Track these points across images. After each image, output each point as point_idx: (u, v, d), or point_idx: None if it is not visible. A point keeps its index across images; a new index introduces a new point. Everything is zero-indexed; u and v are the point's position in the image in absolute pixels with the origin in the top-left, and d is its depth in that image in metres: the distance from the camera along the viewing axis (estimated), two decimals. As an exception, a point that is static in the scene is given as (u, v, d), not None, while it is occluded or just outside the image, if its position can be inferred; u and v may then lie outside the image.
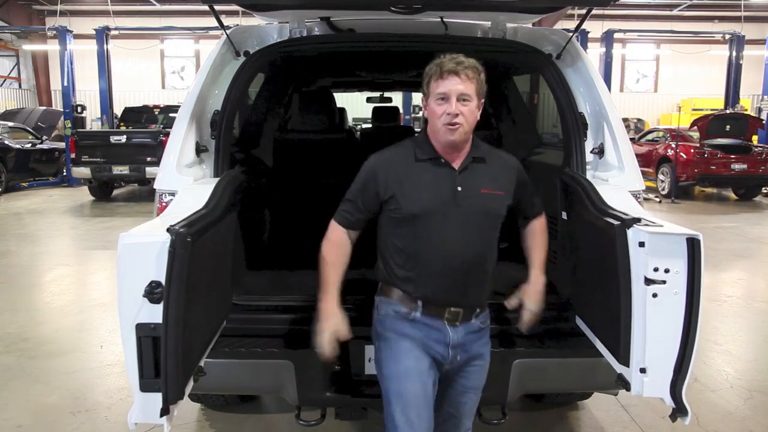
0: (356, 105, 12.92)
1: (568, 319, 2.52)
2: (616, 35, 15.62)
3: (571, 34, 2.95)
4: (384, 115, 5.33)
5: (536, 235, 2.29)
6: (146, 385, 1.78)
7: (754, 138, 14.24)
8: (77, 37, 15.76)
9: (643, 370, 1.89)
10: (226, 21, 3.29)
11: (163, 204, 2.56)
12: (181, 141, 2.65)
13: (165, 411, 1.76)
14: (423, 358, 2.04)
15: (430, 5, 2.62)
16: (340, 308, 2.10)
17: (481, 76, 1.98)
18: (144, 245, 1.76)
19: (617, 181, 2.65)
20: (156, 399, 1.76)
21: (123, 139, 11.73)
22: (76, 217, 10.64)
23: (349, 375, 2.49)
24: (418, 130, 5.19)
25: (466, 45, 2.98)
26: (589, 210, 2.26)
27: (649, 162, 13.42)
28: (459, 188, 1.99)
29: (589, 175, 2.75)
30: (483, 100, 2.02)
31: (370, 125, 5.67)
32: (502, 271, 2.26)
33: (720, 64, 18.46)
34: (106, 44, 14.94)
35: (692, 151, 12.65)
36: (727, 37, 16.03)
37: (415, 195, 1.99)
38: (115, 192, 13.21)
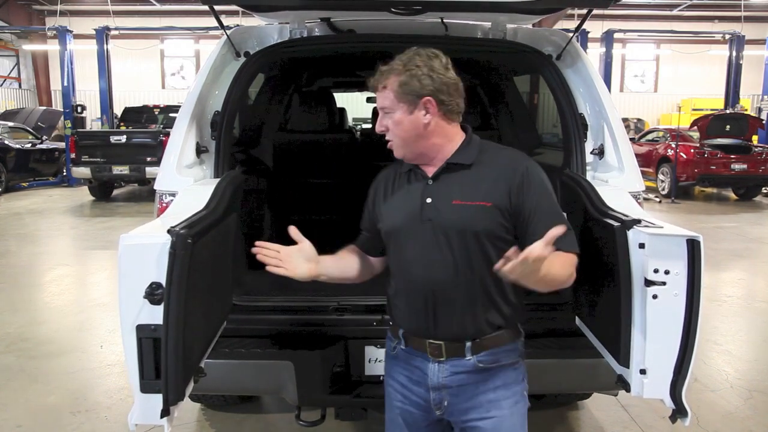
0: (356, 105, 12.93)
1: (568, 319, 2.52)
2: (616, 35, 15.63)
3: (571, 34, 2.95)
4: None
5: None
6: (146, 386, 1.78)
7: (754, 138, 14.25)
8: (77, 37, 15.76)
9: (643, 371, 1.89)
10: (226, 21, 3.29)
11: (164, 204, 2.56)
12: (181, 141, 2.65)
13: (165, 412, 1.76)
14: (405, 408, 1.85)
15: (430, 6, 2.62)
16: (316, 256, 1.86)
17: (402, 76, 1.68)
18: (145, 246, 1.76)
19: (617, 182, 2.65)
20: (156, 400, 1.76)
21: (123, 139, 11.73)
22: (76, 217, 10.64)
23: (349, 376, 2.50)
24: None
25: (466, 46, 2.98)
26: (589, 211, 2.26)
27: (649, 162, 13.42)
28: (428, 200, 1.74)
29: (589, 176, 2.75)
30: (427, 98, 1.68)
31: (370, 125, 5.67)
32: None
33: (720, 64, 18.47)
34: (106, 44, 14.94)
35: (692, 151, 12.65)
36: (727, 37, 16.04)
37: (389, 211, 1.83)
38: (115, 192, 13.21)
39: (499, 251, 1.64)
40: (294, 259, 1.81)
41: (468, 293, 1.73)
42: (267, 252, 1.79)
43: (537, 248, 1.44)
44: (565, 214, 1.79)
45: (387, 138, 1.76)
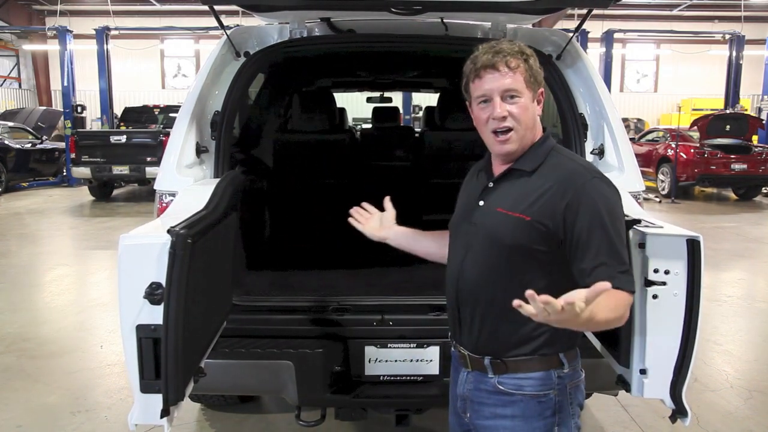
0: (356, 105, 12.93)
1: None
2: (616, 35, 15.63)
3: (571, 34, 2.96)
4: (384, 115, 5.33)
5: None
6: (146, 386, 1.78)
7: (754, 138, 14.25)
8: (77, 37, 15.76)
9: (643, 372, 1.89)
10: (226, 21, 3.29)
11: (164, 204, 2.56)
12: (181, 141, 2.65)
13: (165, 412, 1.76)
14: (451, 410, 1.84)
15: (430, 6, 2.62)
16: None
17: (530, 61, 1.60)
18: (145, 246, 1.76)
19: (617, 182, 2.62)
20: (156, 400, 1.76)
21: (123, 139, 11.73)
22: (76, 217, 10.64)
23: (349, 375, 2.50)
24: (419, 129, 5.20)
25: (466, 46, 2.98)
26: None
27: (649, 162, 13.42)
28: (481, 203, 1.68)
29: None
30: (542, 89, 1.65)
31: (370, 125, 5.67)
32: None
33: (720, 64, 18.46)
34: (106, 44, 14.94)
35: (692, 151, 12.65)
36: (727, 37, 16.04)
37: (457, 207, 1.80)
38: (115, 192, 13.21)
39: (531, 270, 1.57)
40: (372, 220, 2.04)
41: (489, 307, 1.63)
42: (359, 210, 2.03)
43: (573, 299, 1.25)
44: (624, 250, 1.56)
45: (505, 125, 1.59)
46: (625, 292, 1.50)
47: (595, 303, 1.29)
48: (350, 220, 2.03)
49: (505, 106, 1.58)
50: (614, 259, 1.51)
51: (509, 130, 1.59)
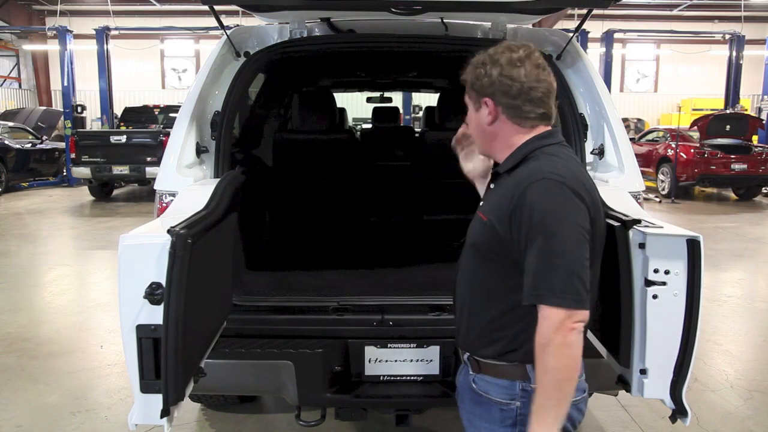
0: (356, 105, 12.93)
1: None
2: (616, 35, 15.62)
3: (571, 34, 2.96)
4: (384, 115, 5.34)
5: (535, 357, 1.47)
6: (147, 386, 1.78)
7: (754, 138, 14.25)
8: (77, 37, 15.76)
9: (643, 372, 1.89)
10: (226, 21, 3.29)
11: (164, 204, 2.56)
12: (181, 141, 2.66)
13: (165, 412, 1.76)
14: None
15: (430, 6, 2.62)
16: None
17: (478, 69, 1.58)
18: (145, 247, 1.76)
19: (617, 182, 2.66)
20: (156, 400, 1.76)
21: (123, 139, 11.73)
22: (76, 217, 10.64)
23: (349, 375, 2.50)
24: (419, 130, 5.20)
25: (465, 46, 2.98)
26: None
27: (649, 162, 13.43)
28: (481, 203, 1.75)
29: (589, 176, 2.75)
30: (485, 99, 1.59)
31: (370, 125, 5.68)
32: None
33: (720, 64, 18.48)
34: (106, 44, 14.94)
35: (692, 151, 12.65)
36: (727, 37, 16.03)
37: None
38: (115, 192, 13.21)
39: (492, 272, 1.58)
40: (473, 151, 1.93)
41: (465, 303, 1.70)
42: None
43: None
44: (556, 258, 1.43)
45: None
46: (546, 306, 1.42)
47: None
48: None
49: (467, 118, 1.70)
50: (540, 270, 1.43)
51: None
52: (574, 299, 1.41)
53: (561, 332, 1.41)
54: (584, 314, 1.44)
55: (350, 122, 8.97)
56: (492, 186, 1.70)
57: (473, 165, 1.95)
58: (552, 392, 1.44)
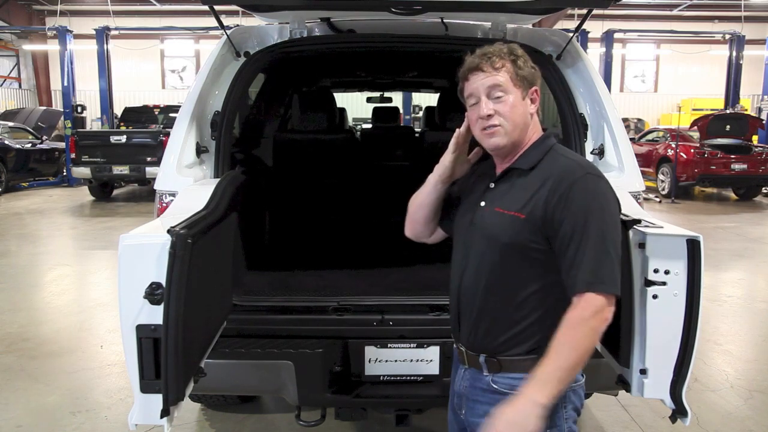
0: (356, 105, 12.92)
1: None
2: (616, 35, 15.63)
3: (571, 34, 2.96)
4: (384, 115, 5.34)
5: (559, 331, 1.49)
6: (146, 386, 1.78)
7: (754, 138, 14.25)
8: (77, 37, 15.76)
9: (643, 372, 1.89)
10: (226, 21, 3.29)
11: (164, 205, 2.56)
12: (181, 141, 2.66)
13: (165, 412, 1.76)
14: (450, 410, 1.86)
15: (430, 6, 2.62)
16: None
17: (518, 61, 1.63)
18: (145, 247, 1.76)
19: (617, 182, 2.63)
20: (156, 400, 1.76)
21: (123, 139, 11.74)
22: (76, 217, 10.64)
23: (349, 375, 2.50)
24: (419, 130, 5.20)
25: (465, 46, 2.98)
26: None
27: (649, 162, 13.43)
28: (482, 203, 1.70)
29: (589, 176, 2.74)
30: (535, 88, 1.67)
31: (370, 125, 5.68)
32: None
33: (720, 64, 18.48)
34: (106, 44, 14.94)
35: (692, 151, 12.65)
36: (727, 37, 16.04)
37: (460, 207, 1.82)
38: (115, 192, 13.22)
39: (525, 270, 1.60)
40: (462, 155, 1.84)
41: (485, 305, 1.66)
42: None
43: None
44: (608, 250, 1.51)
45: (491, 123, 1.62)
46: (593, 294, 1.49)
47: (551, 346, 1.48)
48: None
49: (491, 104, 1.62)
50: (591, 260, 1.50)
51: (495, 126, 1.63)
52: (618, 288, 1.52)
53: (598, 317, 1.49)
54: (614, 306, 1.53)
55: (350, 122, 8.96)
56: (493, 184, 1.70)
57: (457, 170, 1.83)
58: (567, 366, 1.48)
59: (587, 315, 1.48)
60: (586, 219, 1.51)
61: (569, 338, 1.48)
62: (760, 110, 16.39)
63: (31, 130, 15.09)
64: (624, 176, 2.67)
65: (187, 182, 2.57)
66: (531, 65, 1.66)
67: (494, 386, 1.65)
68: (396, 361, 2.48)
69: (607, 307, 1.49)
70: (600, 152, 2.80)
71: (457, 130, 1.80)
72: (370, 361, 2.48)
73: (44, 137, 14.97)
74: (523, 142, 1.67)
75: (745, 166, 12.46)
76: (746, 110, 16.91)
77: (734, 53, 15.82)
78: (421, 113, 7.77)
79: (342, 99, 5.80)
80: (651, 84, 25.40)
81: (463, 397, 1.75)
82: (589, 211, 1.52)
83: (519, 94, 1.63)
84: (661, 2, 21.85)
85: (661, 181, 13.26)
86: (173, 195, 2.50)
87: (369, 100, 8.35)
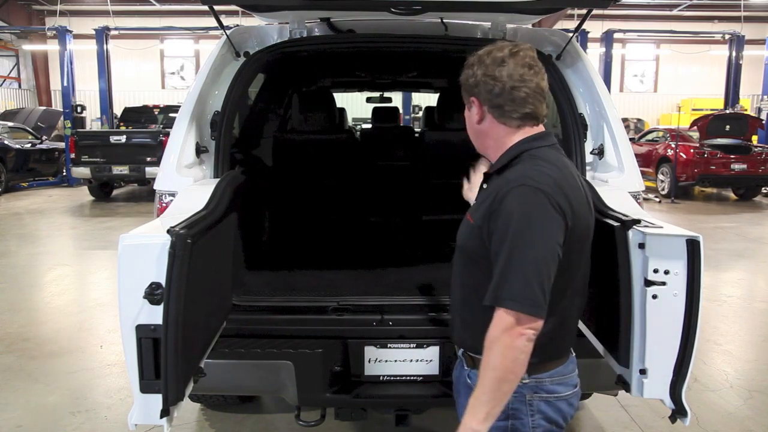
0: (356, 105, 12.92)
1: None
2: (616, 35, 15.63)
3: (570, 34, 2.96)
4: (384, 115, 5.34)
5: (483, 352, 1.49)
6: (146, 386, 1.78)
7: (754, 138, 14.25)
8: (77, 37, 15.76)
9: (642, 372, 1.89)
10: (226, 21, 3.29)
11: (163, 205, 2.56)
12: (181, 142, 2.66)
13: (165, 412, 1.76)
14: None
15: (430, 6, 2.62)
16: None
17: (467, 69, 1.63)
18: (144, 247, 1.76)
19: (617, 182, 2.66)
20: (156, 400, 1.76)
21: (123, 139, 11.73)
22: (76, 217, 10.64)
23: (349, 375, 2.50)
24: (418, 130, 5.20)
25: (465, 46, 2.99)
26: None
27: (648, 162, 13.43)
28: (472, 205, 1.77)
29: (588, 176, 2.75)
30: (472, 98, 1.64)
31: (370, 125, 5.68)
32: None
33: (720, 64, 18.47)
34: (106, 44, 14.94)
35: (692, 151, 12.65)
36: (727, 37, 16.04)
37: None
38: (115, 192, 13.22)
39: (477, 274, 1.59)
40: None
41: (455, 303, 1.77)
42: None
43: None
44: (522, 266, 1.45)
45: None
46: (501, 310, 1.45)
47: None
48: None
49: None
50: (502, 275, 1.46)
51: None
52: (530, 305, 1.43)
53: (510, 334, 1.44)
54: (537, 323, 1.45)
55: (350, 122, 8.95)
56: (484, 186, 1.71)
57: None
58: (489, 389, 1.46)
59: (497, 333, 1.45)
60: (507, 231, 1.48)
61: (486, 359, 1.47)
62: (759, 110, 16.40)
63: (31, 130, 15.09)
64: (624, 176, 2.67)
65: (186, 182, 2.57)
66: (483, 72, 1.58)
67: (468, 381, 1.70)
68: (396, 361, 2.48)
69: (517, 326, 1.43)
70: (600, 152, 2.80)
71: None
72: (369, 361, 2.48)
73: (44, 137, 14.96)
74: (490, 149, 1.68)
75: (744, 166, 12.46)
76: (746, 110, 16.92)
77: (734, 53, 15.82)
78: (420, 113, 7.77)
79: (342, 99, 5.80)
80: (651, 84, 25.41)
81: (454, 387, 1.85)
82: (509, 224, 1.48)
83: (468, 104, 1.67)
84: (660, 2, 21.86)
85: (660, 181, 13.26)
86: (173, 195, 2.50)
87: (369, 100, 8.34)
